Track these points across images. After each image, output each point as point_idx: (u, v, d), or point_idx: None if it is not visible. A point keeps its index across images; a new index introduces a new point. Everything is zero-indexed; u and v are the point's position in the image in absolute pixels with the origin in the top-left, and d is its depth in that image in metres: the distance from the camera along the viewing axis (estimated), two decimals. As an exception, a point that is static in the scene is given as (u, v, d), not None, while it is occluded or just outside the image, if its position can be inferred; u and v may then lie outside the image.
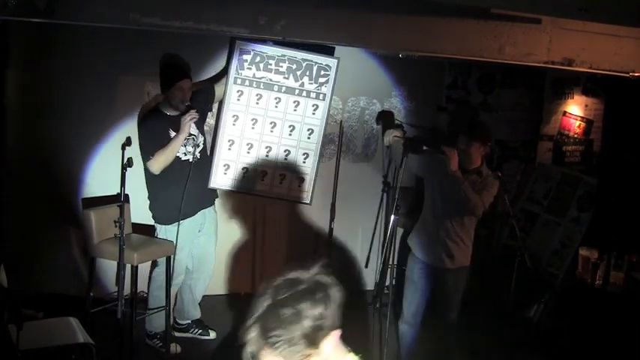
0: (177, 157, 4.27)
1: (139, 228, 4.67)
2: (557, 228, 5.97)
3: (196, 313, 4.77)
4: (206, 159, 4.58)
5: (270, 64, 4.45)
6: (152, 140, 4.19)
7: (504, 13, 4.17)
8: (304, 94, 4.53)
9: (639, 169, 5.28)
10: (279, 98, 4.37)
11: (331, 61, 4.54)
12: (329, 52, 4.59)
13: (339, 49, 4.87)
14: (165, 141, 4.18)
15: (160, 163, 4.15)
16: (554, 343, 5.16)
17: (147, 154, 4.20)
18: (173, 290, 4.53)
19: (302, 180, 4.62)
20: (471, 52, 4.24)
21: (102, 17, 3.49)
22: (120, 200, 3.89)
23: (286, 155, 4.52)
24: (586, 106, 6.65)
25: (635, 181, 5.28)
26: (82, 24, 3.61)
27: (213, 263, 4.73)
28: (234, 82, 4.47)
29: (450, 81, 6.03)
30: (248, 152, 4.51)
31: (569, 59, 4.46)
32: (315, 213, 5.77)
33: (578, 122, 6.65)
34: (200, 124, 4.47)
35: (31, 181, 4.89)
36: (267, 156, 4.44)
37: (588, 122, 6.68)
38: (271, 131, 4.41)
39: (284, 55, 4.15)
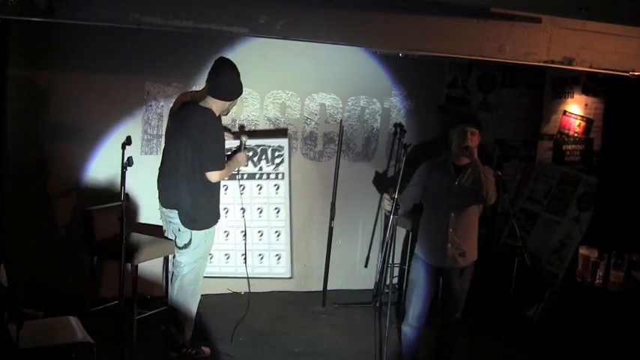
0: None
1: (139, 227, 4.68)
2: (557, 227, 5.97)
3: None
4: None
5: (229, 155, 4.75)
6: (223, 151, 4.21)
7: (504, 12, 4.17)
8: (264, 177, 4.93)
9: (639, 169, 5.27)
10: (244, 185, 4.72)
11: (283, 142, 4.93)
12: (280, 134, 4.93)
13: (339, 47, 4.87)
14: (225, 147, 4.28)
15: (222, 178, 4.19)
16: (554, 343, 5.16)
17: (218, 163, 4.13)
18: (200, 288, 4.46)
19: (279, 257, 4.93)
20: (470, 51, 4.24)
21: (102, 16, 3.49)
22: (120, 199, 3.89)
23: (260, 236, 4.84)
24: (586, 105, 6.65)
25: (636, 181, 5.28)
26: (82, 23, 3.61)
27: None
28: None
29: (450, 80, 6.04)
30: (226, 239, 4.82)
31: (569, 58, 4.46)
32: (316, 212, 5.78)
33: (578, 121, 6.65)
34: None
35: (31, 180, 4.89)
36: (243, 240, 4.68)
37: (588, 121, 6.68)
38: (242, 216, 4.67)
39: (240, 146, 4.43)
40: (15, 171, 4.82)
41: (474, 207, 4.16)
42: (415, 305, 4.21)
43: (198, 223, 4.21)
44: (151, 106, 5.10)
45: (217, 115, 4.25)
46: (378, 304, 5.45)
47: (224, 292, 5.51)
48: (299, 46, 4.62)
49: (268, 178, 4.94)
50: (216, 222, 4.32)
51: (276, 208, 4.97)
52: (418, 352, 4.35)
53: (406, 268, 5.53)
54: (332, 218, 5.53)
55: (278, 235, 4.99)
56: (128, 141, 3.81)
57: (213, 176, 4.11)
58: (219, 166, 4.13)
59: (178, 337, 4.36)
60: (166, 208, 4.27)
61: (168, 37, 4.62)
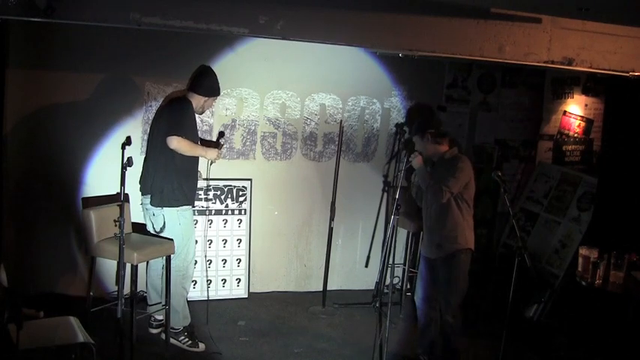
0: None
1: (139, 227, 4.68)
2: (557, 227, 5.97)
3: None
4: None
5: (200, 194, 5.28)
6: (188, 123, 4.41)
7: (504, 12, 4.18)
8: (229, 212, 5.51)
9: (639, 169, 5.27)
10: (212, 220, 5.38)
11: (246, 183, 5.55)
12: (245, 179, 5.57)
13: (339, 47, 4.87)
14: (194, 129, 4.50)
15: (178, 145, 4.28)
16: (553, 343, 5.16)
17: (178, 129, 4.29)
18: (190, 273, 4.63)
19: (239, 280, 5.57)
20: (470, 51, 4.25)
21: (102, 17, 3.50)
22: (120, 199, 3.89)
23: (224, 264, 5.52)
24: (586, 105, 6.66)
25: (636, 181, 5.27)
26: (82, 23, 3.61)
27: None
28: None
29: (450, 80, 6.04)
30: (208, 266, 5.42)
31: (569, 59, 4.46)
32: (316, 212, 5.78)
33: (578, 121, 6.66)
34: None
35: (31, 180, 4.89)
36: (209, 267, 5.32)
37: (588, 121, 6.69)
38: (209, 247, 5.36)
39: (209, 186, 4.91)
40: (15, 171, 4.82)
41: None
42: (417, 292, 4.48)
43: (165, 198, 4.39)
44: (151, 106, 5.10)
45: (195, 105, 4.50)
46: (378, 305, 5.46)
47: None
48: (299, 46, 4.62)
49: (233, 213, 5.55)
50: (187, 204, 4.49)
51: (238, 239, 5.58)
52: (431, 325, 4.48)
53: (406, 268, 5.56)
54: (332, 218, 5.53)
55: (239, 262, 5.59)
56: (128, 141, 3.82)
57: (171, 141, 4.26)
58: (177, 132, 4.27)
59: (175, 322, 4.53)
60: (143, 195, 4.49)
61: (168, 37, 4.62)
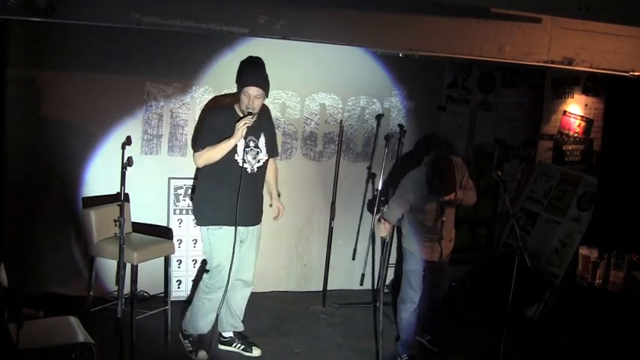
0: (235, 161, 4.12)
1: (139, 227, 4.68)
2: (557, 227, 5.97)
3: (237, 326, 4.62)
4: (261, 178, 4.37)
5: None
6: (210, 133, 4.12)
7: (504, 12, 4.18)
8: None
9: (639, 169, 5.27)
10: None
11: None
12: None
13: (339, 47, 4.87)
14: (225, 130, 4.07)
15: (204, 159, 4.11)
16: (554, 343, 5.16)
17: (200, 144, 4.14)
18: (216, 297, 4.30)
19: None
20: (470, 51, 4.25)
21: (102, 17, 3.50)
22: (120, 199, 3.89)
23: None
24: (586, 105, 6.66)
25: (636, 181, 5.28)
26: (82, 23, 3.61)
27: (250, 277, 4.50)
28: (174, 213, 5.28)
29: (450, 80, 6.04)
30: (194, 267, 5.44)
31: (569, 58, 4.46)
32: (316, 212, 5.78)
33: (578, 121, 6.66)
34: (267, 143, 4.36)
35: (31, 180, 4.89)
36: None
37: (588, 121, 6.69)
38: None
39: None
40: (15, 171, 4.82)
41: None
42: (417, 290, 4.54)
43: (197, 215, 4.36)
44: (151, 106, 5.10)
45: (239, 108, 4.15)
46: (378, 304, 5.46)
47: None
48: (299, 46, 4.62)
49: None
50: (217, 224, 4.20)
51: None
52: (415, 330, 4.66)
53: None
54: (332, 218, 5.53)
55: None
56: (128, 141, 3.81)
57: (196, 161, 4.18)
58: (195, 148, 4.19)
59: (184, 325, 4.50)
60: None
61: (168, 37, 4.62)
